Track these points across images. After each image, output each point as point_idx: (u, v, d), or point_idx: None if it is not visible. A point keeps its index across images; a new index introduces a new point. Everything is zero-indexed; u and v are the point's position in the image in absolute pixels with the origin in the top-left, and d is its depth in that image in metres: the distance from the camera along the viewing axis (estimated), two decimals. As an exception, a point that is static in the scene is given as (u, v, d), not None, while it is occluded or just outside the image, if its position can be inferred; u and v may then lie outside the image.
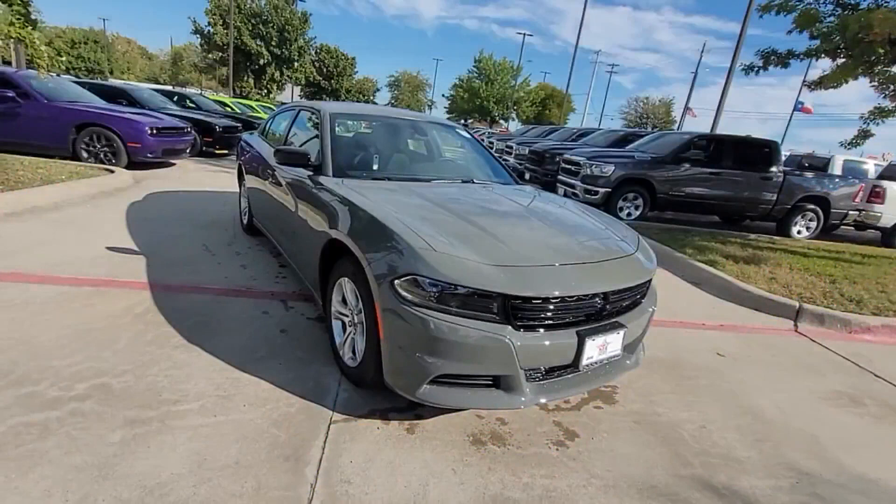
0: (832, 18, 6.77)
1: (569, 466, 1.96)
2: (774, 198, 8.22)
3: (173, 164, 8.46)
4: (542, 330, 1.92)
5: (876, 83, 7.22)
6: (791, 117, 32.82)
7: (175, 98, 12.02)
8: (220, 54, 31.67)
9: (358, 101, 45.37)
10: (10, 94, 6.64)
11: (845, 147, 9.06)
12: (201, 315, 2.85)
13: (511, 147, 13.03)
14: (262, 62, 32.90)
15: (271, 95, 34.58)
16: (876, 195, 8.61)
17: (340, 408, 2.14)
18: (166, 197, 5.96)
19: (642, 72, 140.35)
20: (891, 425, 2.65)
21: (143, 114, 7.82)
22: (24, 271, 3.16)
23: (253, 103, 19.12)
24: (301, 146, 3.52)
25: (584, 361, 2.00)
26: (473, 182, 3.28)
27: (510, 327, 1.85)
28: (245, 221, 4.72)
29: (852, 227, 9.25)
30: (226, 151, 10.24)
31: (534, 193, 3.28)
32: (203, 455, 1.75)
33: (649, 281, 2.44)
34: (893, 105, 7.55)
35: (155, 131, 7.31)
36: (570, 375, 2.06)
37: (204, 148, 9.85)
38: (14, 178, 5.18)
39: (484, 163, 3.72)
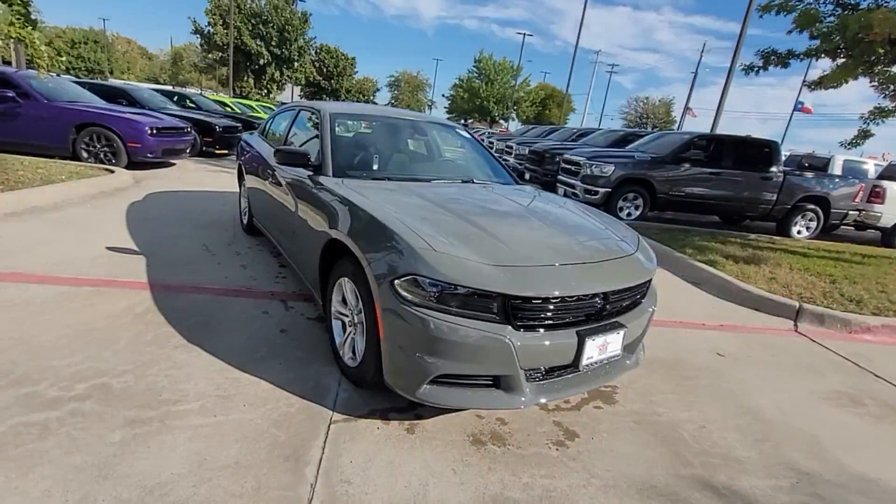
0: (832, 18, 6.77)
1: (569, 466, 1.96)
2: (774, 198, 8.21)
3: (173, 164, 8.46)
4: (542, 330, 1.92)
5: (876, 83, 7.22)
6: (791, 117, 32.89)
7: (175, 98, 12.02)
8: (220, 54, 31.65)
9: (358, 101, 45.36)
10: (10, 94, 6.64)
11: (845, 147, 9.05)
12: (201, 315, 2.85)
13: (511, 147, 13.02)
14: (262, 62, 32.88)
15: (271, 95, 34.56)
16: (876, 195, 8.61)
17: (340, 408, 2.14)
18: (166, 197, 5.96)
19: (642, 72, 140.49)
20: (891, 425, 2.65)
21: (143, 114, 7.82)
22: (24, 271, 3.16)
23: (253, 103, 19.11)
24: (301, 146, 3.52)
25: (584, 361, 1.99)
26: (473, 182, 3.28)
27: (510, 327, 1.85)
28: (245, 221, 4.72)
29: (852, 227, 9.24)
30: (226, 151, 10.24)
31: (534, 193, 3.28)
32: (203, 455, 1.75)
33: (649, 281, 2.44)
34: (893, 105, 7.55)
35: (155, 131, 7.31)
36: (570, 375, 2.06)
37: (204, 148, 9.85)
38: (14, 178, 5.18)
39: (484, 163, 3.71)
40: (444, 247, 1.93)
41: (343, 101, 42.93)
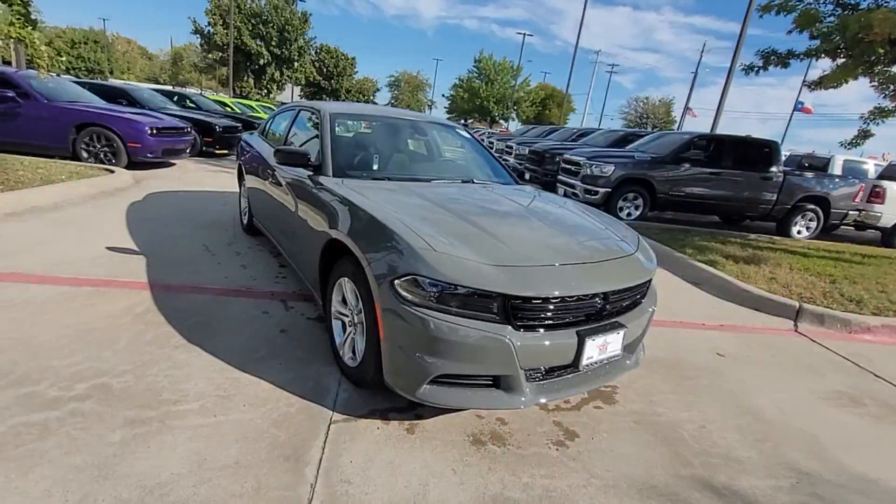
0: (832, 18, 6.77)
1: (569, 466, 1.96)
2: (774, 198, 8.22)
3: (173, 164, 8.46)
4: (542, 330, 1.92)
5: (876, 83, 7.22)
6: (791, 117, 32.89)
7: (175, 98, 12.02)
8: (220, 54, 31.65)
9: (358, 101, 45.34)
10: (10, 94, 6.64)
11: (845, 147, 9.06)
12: (201, 315, 2.85)
13: (511, 147, 13.02)
14: (262, 62, 32.88)
15: (271, 95, 34.56)
16: (876, 195, 8.61)
17: (340, 408, 2.14)
18: (166, 197, 5.96)
19: (642, 72, 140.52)
20: (891, 425, 2.65)
21: (143, 114, 7.83)
22: (24, 271, 3.16)
23: (253, 103, 19.12)
24: (301, 146, 3.52)
25: (584, 361, 1.99)
26: (473, 182, 3.28)
27: (510, 327, 1.85)
28: (245, 221, 4.72)
29: (852, 227, 9.25)
30: (226, 151, 10.24)
31: (534, 193, 3.28)
32: (203, 455, 1.75)
33: (649, 281, 2.44)
34: (893, 105, 7.55)
35: (155, 131, 7.32)
36: (570, 375, 2.06)
37: (204, 148, 9.85)
38: (14, 178, 5.18)
39: (484, 163, 3.71)
40: (444, 247, 1.93)
41: (343, 101, 42.94)
